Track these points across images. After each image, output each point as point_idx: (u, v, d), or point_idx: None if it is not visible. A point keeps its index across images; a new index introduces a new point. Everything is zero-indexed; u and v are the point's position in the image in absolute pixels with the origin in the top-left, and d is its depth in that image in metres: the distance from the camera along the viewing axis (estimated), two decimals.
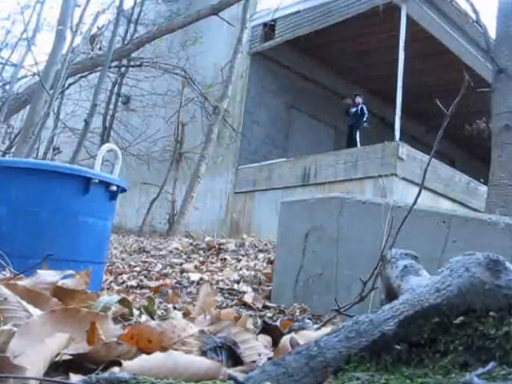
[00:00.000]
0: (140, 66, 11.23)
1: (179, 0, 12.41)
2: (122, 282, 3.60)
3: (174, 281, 3.58)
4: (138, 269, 4.19)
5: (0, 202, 2.24)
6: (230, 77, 9.33)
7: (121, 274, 3.97)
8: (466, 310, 0.65)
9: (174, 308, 1.99)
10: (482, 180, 10.08)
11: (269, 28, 11.44)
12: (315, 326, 1.26)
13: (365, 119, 10.82)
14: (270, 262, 4.18)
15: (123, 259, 4.92)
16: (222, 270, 4.08)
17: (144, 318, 1.00)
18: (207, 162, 8.96)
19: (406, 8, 9.65)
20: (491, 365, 0.57)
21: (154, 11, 12.83)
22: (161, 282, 3.51)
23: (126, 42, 11.16)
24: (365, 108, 10.80)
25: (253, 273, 3.83)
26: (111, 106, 12.10)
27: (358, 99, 10.83)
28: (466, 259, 0.71)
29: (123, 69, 11.90)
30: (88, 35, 10.27)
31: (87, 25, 10.44)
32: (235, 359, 0.80)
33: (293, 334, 0.98)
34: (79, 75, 10.47)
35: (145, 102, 12.10)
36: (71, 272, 1.10)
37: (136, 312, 1.00)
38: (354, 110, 10.79)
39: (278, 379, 0.61)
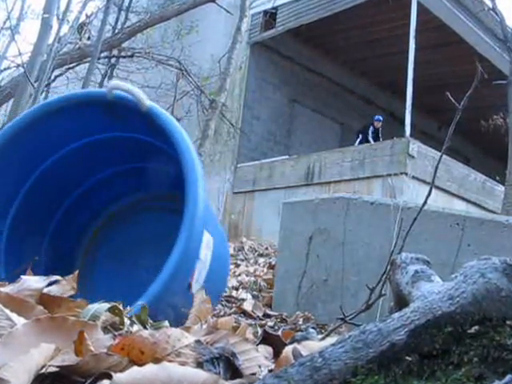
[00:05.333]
0: (131, 56, 11.23)
1: None
2: None
3: None
4: None
5: None
6: (229, 68, 9.33)
7: None
8: (482, 318, 0.65)
9: None
10: (499, 179, 10.09)
11: (270, 16, 11.45)
12: (319, 336, 1.27)
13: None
14: (271, 266, 4.18)
15: None
16: None
17: (136, 327, 1.00)
18: (204, 159, 8.96)
19: None
20: (508, 377, 0.57)
21: None
22: None
23: (116, 31, 11.15)
24: (380, 133, 10.86)
25: (253, 279, 3.84)
26: None
27: (379, 124, 10.87)
28: (482, 264, 0.71)
29: (113, 60, 11.90)
30: (76, 24, 10.26)
31: (75, 13, 10.45)
32: (234, 371, 0.80)
33: (295, 345, 0.98)
34: (66, 67, 10.46)
35: None
36: (57, 277, 1.10)
37: (127, 321, 1.00)
38: (371, 133, 10.79)
39: None
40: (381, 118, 10.95)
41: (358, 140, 11.02)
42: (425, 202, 1.45)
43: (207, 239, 1.49)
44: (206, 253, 1.47)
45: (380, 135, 10.82)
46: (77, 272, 1.12)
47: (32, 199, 1.87)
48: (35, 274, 1.65)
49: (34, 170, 1.87)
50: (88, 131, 1.85)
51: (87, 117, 1.79)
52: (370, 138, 10.71)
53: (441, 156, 1.44)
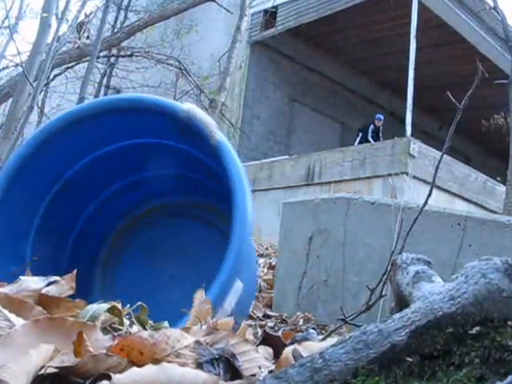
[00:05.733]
0: (131, 56, 11.23)
1: None
2: None
3: None
4: None
5: None
6: (228, 68, 9.33)
7: None
8: (483, 319, 0.65)
9: None
10: (500, 179, 10.09)
11: (270, 15, 11.46)
12: (320, 337, 1.26)
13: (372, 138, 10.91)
14: (271, 267, 4.17)
15: None
16: None
17: (135, 327, 1.00)
18: None
19: None
20: (510, 378, 0.57)
21: None
22: None
23: (115, 31, 11.16)
24: (380, 132, 10.89)
25: None
26: None
27: (380, 123, 10.90)
28: (483, 264, 0.71)
29: (113, 59, 11.90)
30: (75, 23, 10.26)
31: (74, 12, 10.45)
32: (233, 372, 0.80)
33: (296, 346, 0.98)
34: (65, 66, 10.46)
35: None
36: (56, 278, 1.10)
37: (126, 321, 1.00)
38: (371, 131, 10.83)
39: None
40: (381, 117, 10.97)
41: (358, 139, 11.03)
42: (425, 202, 1.45)
43: (237, 287, 1.48)
44: (231, 301, 1.46)
45: (381, 134, 10.83)
46: (75, 271, 1.12)
47: (68, 193, 1.87)
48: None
49: (73, 165, 1.87)
50: (139, 134, 1.84)
51: (144, 121, 1.78)
52: (370, 138, 10.72)
53: (441, 156, 1.44)
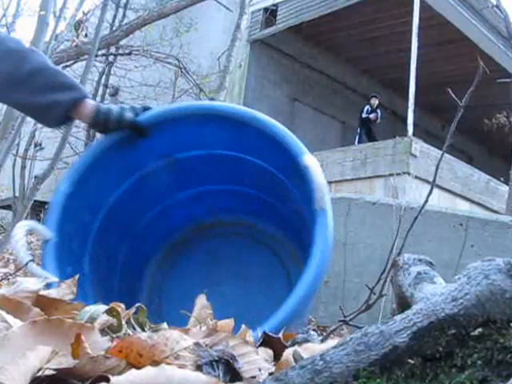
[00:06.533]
0: (129, 54, 11.23)
1: None
2: None
3: None
4: None
5: None
6: (228, 66, 9.32)
7: None
8: (486, 320, 0.65)
9: None
10: (503, 179, 10.09)
11: (270, 13, 11.45)
12: (320, 338, 1.26)
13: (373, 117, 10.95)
14: None
15: None
16: None
17: (134, 329, 1.00)
18: None
19: None
20: None
21: None
22: None
23: (114, 29, 11.16)
24: (379, 113, 10.93)
25: None
26: (98, 98, 12.10)
27: (375, 101, 10.94)
28: (485, 265, 0.71)
29: (111, 58, 11.91)
30: (73, 21, 10.26)
31: (72, 9, 10.45)
32: (233, 374, 0.80)
33: (296, 347, 0.98)
34: (63, 65, 10.46)
35: (135, 94, 12.10)
36: (55, 279, 1.10)
37: (125, 323, 1.00)
38: (372, 115, 10.89)
39: None
40: (378, 96, 11.04)
41: (357, 134, 11.09)
42: (426, 201, 1.44)
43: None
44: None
45: (378, 113, 10.87)
46: (77, 276, 1.12)
47: (142, 186, 1.84)
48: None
49: (167, 157, 1.84)
50: (245, 150, 1.82)
51: (259, 142, 1.77)
52: (366, 114, 10.77)
53: (442, 154, 1.43)
